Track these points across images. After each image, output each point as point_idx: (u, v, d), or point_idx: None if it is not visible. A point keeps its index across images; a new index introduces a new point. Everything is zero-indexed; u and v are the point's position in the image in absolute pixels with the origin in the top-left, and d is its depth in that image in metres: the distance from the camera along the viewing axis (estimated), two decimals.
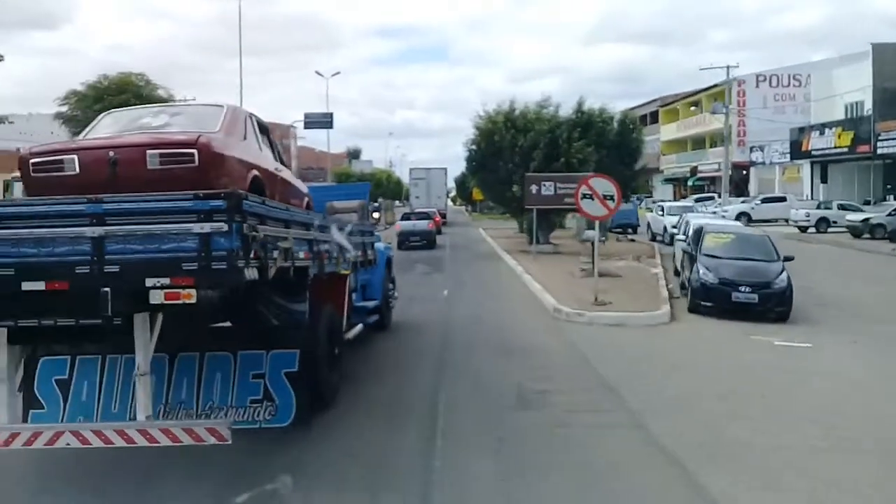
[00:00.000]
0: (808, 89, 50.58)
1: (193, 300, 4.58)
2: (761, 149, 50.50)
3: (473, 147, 25.73)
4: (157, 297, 4.58)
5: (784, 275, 13.19)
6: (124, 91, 55.09)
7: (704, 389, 8.23)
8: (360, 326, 9.34)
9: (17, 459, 5.82)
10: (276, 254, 5.20)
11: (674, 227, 25.85)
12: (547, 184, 21.54)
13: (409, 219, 31.32)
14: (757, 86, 52.39)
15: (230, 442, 4.99)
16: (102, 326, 4.78)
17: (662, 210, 32.09)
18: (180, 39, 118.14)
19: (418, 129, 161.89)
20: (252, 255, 4.77)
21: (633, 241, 31.93)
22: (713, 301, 13.06)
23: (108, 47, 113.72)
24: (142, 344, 4.95)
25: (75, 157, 5.52)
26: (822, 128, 42.05)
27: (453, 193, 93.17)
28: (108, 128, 6.26)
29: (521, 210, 25.75)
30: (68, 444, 5.02)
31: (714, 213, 33.24)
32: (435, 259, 24.40)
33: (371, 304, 10.36)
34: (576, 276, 17.82)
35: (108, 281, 4.60)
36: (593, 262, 17.88)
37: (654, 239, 31.70)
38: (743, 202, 43.44)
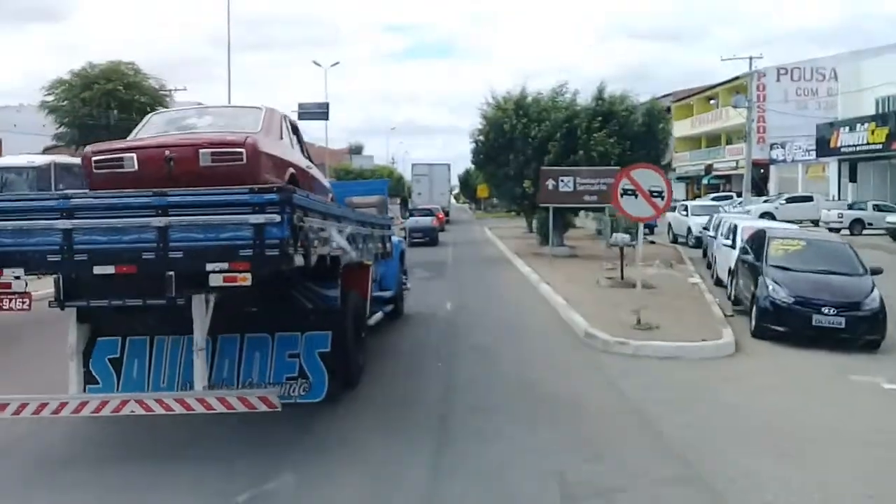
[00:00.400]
0: (831, 83, 47.85)
1: (249, 282, 5.12)
2: (782, 146, 47.70)
3: (480, 138, 22.97)
4: (216, 280, 5.12)
5: (875, 293, 10.48)
6: (112, 79, 52.57)
7: (845, 478, 5.52)
8: (380, 314, 9.97)
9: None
10: (316, 243, 5.75)
11: (704, 228, 23.20)
12: (565, 179, 18.79)
13: (411, 215, 30.84)
14: (778, 79, 49.54)
15: (280, 409, 5.48)
16: (165, 306, 5.34)
17: (686, 210, 29.37)
18: (187, 34, 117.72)
19: (422, 126, 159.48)
20: (299, 244, 5.28)
21: (653, 242, 29.25)
22: (787, 325, 10.35)
23: (114, 41, 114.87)
24: (199, 322, 5.47)
25: (134, 155, 5.95)
26: (852, 123, 39.23)
27: (457, 191, 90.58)
28: (157, 127, 6.80)
29: (533, 208, 23.05)
30: (133, 412, 5.46)
31: (748, 212, 30.53)
32: (437, 263, 21.72)
33: (387, 294, 10.86)
34: (601, 285, 15.15)
35: (172, 265, 5.15)
36: (621, 270, 15.42)
37: (675, 241, 29.03)
38: (765, 201, 40.65)
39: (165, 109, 7.91)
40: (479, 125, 22.89)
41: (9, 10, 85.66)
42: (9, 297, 5.52)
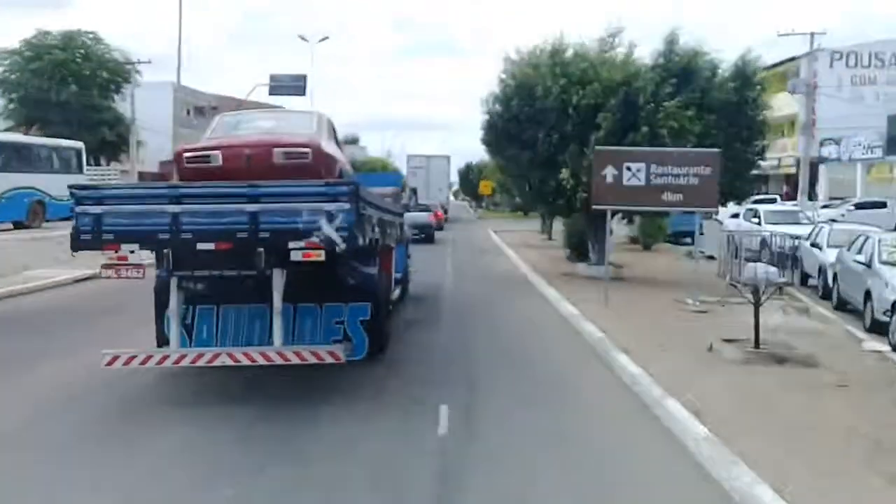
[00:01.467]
0: (891, 71, 41.38)
1: (322, 258, 6.16)
2: (836, 142, 41.01)
3: (497, 109, 16.09)
4: (296, 256, 6.17)
5: None
6: (67, 48, 45.50)
7: None
8: (398, 291, 11.42)
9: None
10: (367, 227, 6.89)
11: (806, 239, 16.57)
12: (634, 166, 11.99)
13: (406, 210, 25.20)
14: (831, 65, 42.78)
15: (344, 361, 6.64)
16: (251, 277, 6.54)
17: (758, 217, 22.77)
18: (195, 24, 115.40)
19: (420, 122, 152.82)
20: (361, 228, 6.47)
21: (711, 258, 22.66)
22: None
23: (121, 29, 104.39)
24: (277, 291, 6.57)
25: (219, 152, 7.19)
26: None
27: (455, 187, 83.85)
28: (227, 128, 8.08)
29: (571, 209, 16.19)
30: (223, 363, 6.53)
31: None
32: (431, 287, 15.07)
33: (398, 275, 11.45)
34: (725, 357, 8.32)
35: (261, 243, 6.25)
36: (756, 334, 8.09)
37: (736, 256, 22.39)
38: (824, 207, 34.01)
39: (232, 112, 9.55)
40: (497, 90, 16.05)
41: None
42: (126, 267, 6.52)
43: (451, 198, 69.02)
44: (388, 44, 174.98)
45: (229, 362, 6.50)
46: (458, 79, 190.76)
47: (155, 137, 65.40)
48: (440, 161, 51.27)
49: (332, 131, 8.52)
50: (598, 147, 12.77)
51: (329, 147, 7.87)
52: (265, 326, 7.13)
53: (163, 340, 7.29)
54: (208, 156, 7.14)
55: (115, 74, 51.33)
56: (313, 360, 6.46)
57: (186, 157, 7.21)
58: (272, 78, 33.03)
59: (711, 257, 22.86)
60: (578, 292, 13.48)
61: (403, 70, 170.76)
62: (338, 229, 6.08)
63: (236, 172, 6.76)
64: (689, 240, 28.64)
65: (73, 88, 47.90)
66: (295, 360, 6.46)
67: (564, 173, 14.45)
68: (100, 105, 48.94)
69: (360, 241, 6.39)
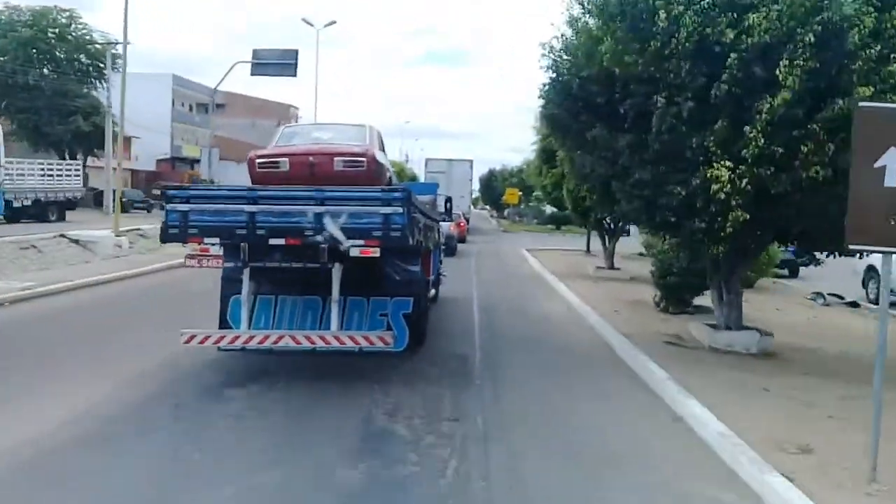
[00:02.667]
0: None
1: (377, 255, 6.79)
2: None
3: (570, 62, 9.44)
4: (355, 252, 6.78)
5: None
6: (36, 26, 39.26)
7: None
8: (433, 290, 12.04)
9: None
10: (416, 229, 7.42)
11: None
12: None
13: (444, 219, 22.58)
14: None
15: (391, 345, 7.34)
16: (315, 270, 7.23)
17: None
18: (209, 29, 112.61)
19: (439, 130, 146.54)
20: (412, 229, 7.05)
21: (853, 304, 15.80)
22: None
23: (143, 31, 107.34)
24: (336, 282, 7.28)
25: (287, 159, 8.11)
26: None
27: (476, 194, 77.29)
28: (289, 138, 9.07)
29: (718, 236, 9.00)
30: (286, 345, 7.32)
31: None
32: (455, 359, 8.71)
33: (431, 278, 11.53)
34: None
35: (325, 240, 6.81)
36: None
37: None
38: None
39: (292, 125, 11.08)
40: (567, 33, 9.43)
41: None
42: (207, 258, 7.34)
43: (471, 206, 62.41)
44: (410, 53, 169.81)
45: (291, 344, 7.29)
46: (472, 88, 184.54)
47: (150, 134, 59.50)
48: (462, 166, 44.90)
49: (381, 142, 9.25)
50: (865, 105, 5.70)
51: (380, 156, 8.73)
52: (317, 316, 7.96)
53: (225, 327, 7.86)
54: (277, 162, 8.14)
55: (96, 59, 45.42)
56: (365, 343, 7.26)
57: (259, 163, 8.20)
58: (256, 55, 26.51)
59: (853, 304, 16.03)
60: (740, 402, 6.83)
61: (414, 78, 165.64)
62: (391, 230, 6.68)
63: (300, 178, 7.64)
64: (785, 271, 22.00)
65: (45, 71, 42.35)
66: (349, 344, 7.25)
67: (718, 170, 7.66)
68: (75, 91, 42.98)
69: (410, 242, 6.91)
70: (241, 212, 6.85)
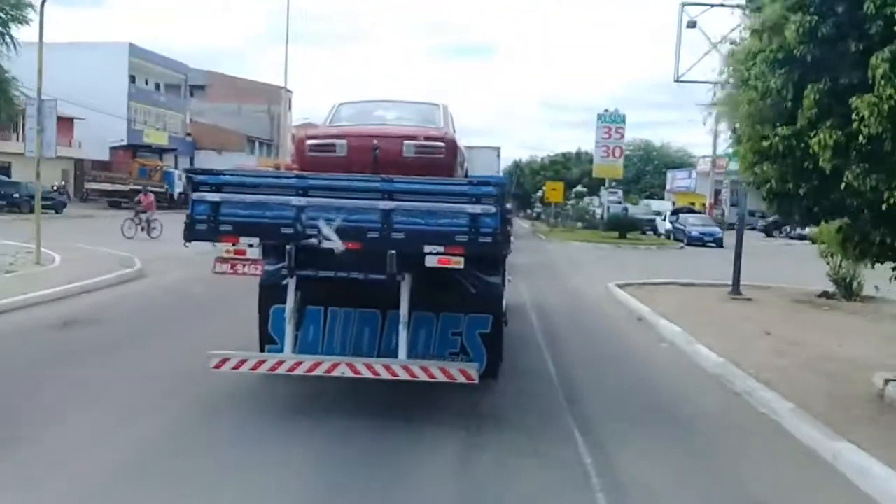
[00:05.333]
0: None
1: (461, 266, 5.44)
2: None
3: None
4: (431, 261, 5.42)
5: None
6: None
7: None
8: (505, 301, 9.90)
9: None
10: (507, 234, 6.49)
11: None
12: None
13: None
14: None
15: (476, 382, 5.68)
16: (383, 282, 5.67)
17: None
18: (227, 21, 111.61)
19: (461, 127, 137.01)
20: (505, 234, 5.78)
21: None
22: None
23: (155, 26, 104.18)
24: (405, 298, 5.87)
25: (346, 141, 6.53)
26: None
27: None
28: (348, 117, 7.26)
29: None
30: (342, 374, 5.73)
31: None
32: None
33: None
34: None
35: (394, 245, 5.47)
36: None
37: None
38: None
39: (351, 101, 7.73)
40: None
41: None
42: (243, 262, 5.82)
43: None
44: (430, 47, 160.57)
45: (349, 374, 5.78)
46: (499, 86, 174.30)
47: (100, 116, 48.45)
48: (488, 154, 33.23)
49: (454, 125, 7.60)
50: None
51: (459, 142, 7.19)
52: (375, 332, 6.57)
53: (266, 340, 6.62)
54: (333, 144, 6.59)
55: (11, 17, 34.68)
56: (443, 377, 5.67)
57: (309, 144, 6.66)
58: None
59: None
60: None
61: (442, 74, 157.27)
62: (481, 234, 5.41)
63: (362, 165, 6.22)
64: None
65: None
66: (422, 377, 5.69)
67: None
68: None
69: (504, 250, 6.07)
70: (287, 205, 5.56)
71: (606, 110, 34.23)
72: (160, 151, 54.85)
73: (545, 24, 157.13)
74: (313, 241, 5.49)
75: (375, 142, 6.42)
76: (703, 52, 18.65)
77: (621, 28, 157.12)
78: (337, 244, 5.44)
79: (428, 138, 6.59)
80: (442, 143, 6.56)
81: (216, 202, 5.60)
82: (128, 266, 14.33)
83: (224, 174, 5.95)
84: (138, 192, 39.05)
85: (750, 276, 14.63)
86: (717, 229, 31.45)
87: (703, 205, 53.47)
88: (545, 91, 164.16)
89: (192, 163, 63.49)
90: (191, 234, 5.66)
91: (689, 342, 9.33)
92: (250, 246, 5.79)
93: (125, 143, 49.65)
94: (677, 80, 18.97)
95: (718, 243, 29.92)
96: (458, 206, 5.42)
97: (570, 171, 48.74)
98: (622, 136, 33.96)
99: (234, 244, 5.74)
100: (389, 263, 5.49)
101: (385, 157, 6.32)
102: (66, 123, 45.58)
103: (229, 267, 5.80)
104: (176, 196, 41.80)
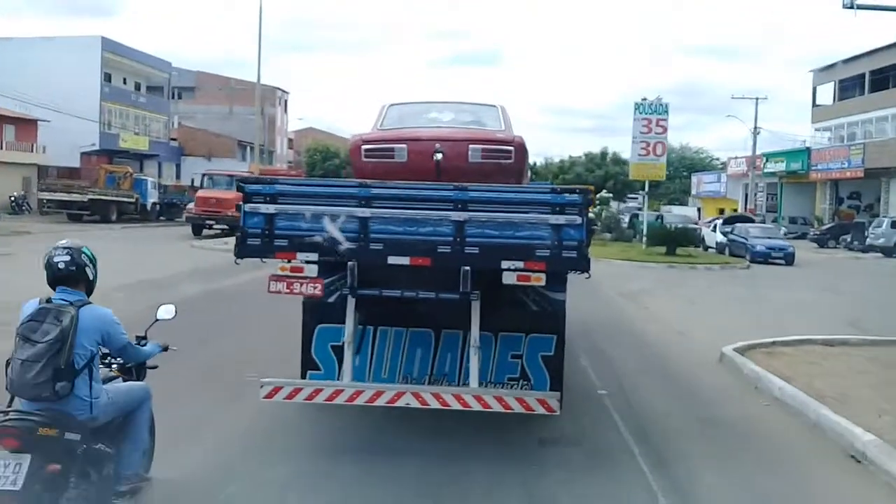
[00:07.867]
0: None
1: (542, 283, 5.04)
2: None
3: None
4: (509, 278, 5.00)
5: None
6: None
7: None
8: None
9: None
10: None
11: None
12: None
13: None
14: None
15: (558, 413, 5.06)
16: (454, 301, 5.20)
17: None
18: (236, 32, 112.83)
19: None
20: (589, 247, 5.24)
21: None
22: None
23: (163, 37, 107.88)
24: (475, 319, 5.34)
25: (405, 146, 6.10)
26: None
27: None
28: (403, 119, 6.77)
29: None
30: (408, 404, 5.17)
31: None
32: None
33: None
34: None
35: (467, 260, 5.01)
36: None
37: None
38: None
39: (401, 102, 7.23)
40: None
41: (63, 5, 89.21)
42: (300, 281, 5.22)
43: None
44: (434, 55, 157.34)
45: (415, 404, 5.14)
46: (504, 94, 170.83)
47: (68, 120, 43.41)
48: None
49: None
50: None
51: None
52: (427, 353, 6.16)
53: (309, 364, 6.16)
54: (392, 149, 6.16)
55: None
56: (520, 408, 5.06)
57: (365, 151, 6.25)
58: None
59: None
60: None
61: (448, 81, 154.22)
62: (564, 248, 4.97)
63: (423, 172, 5.78)
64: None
65: None
66: (497, 408, 5.05)
67: None
68: None
69: (587, 266, 5.30)
70: (350, 217, 5.14)
71: (645, 99, 28.26)
72: (140, 157, 49.93)
73: (550, 31, 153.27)
74: (377, 256, 5.09)
75: (438, 146, 6.04)
76: None
77: (624, 29, 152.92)
78: (404, 261, 5.04)
79: (496, 142, 6.24)
80: (511, 148, 6.19)
81: (271, 214, 5.16)
82: None
83: (278, 182, 5.50)
84: (99, 202, 34.44)
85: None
86: (786, 243, 26.04)
87: (734, 210, 48.49)
88: (550, 97, 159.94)
89: (177, 170, 58.98)
90: (243, 250, 5.26)
91: None
92: (308, 262, 5.18)
93: (97, 147, 44.61)
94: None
95: (788, 260, 24.53)
96: (538, 216, 5.02)
97: (592, 173, 43.64)
98: (664, 129, 28.10)
99: (290, 260, 5.20)
100: (463, 281, 5.08)
101: (448, 162, 5.98)
102: (27, 126, 40.69)
103: (285, 286, 5.23)
104: (149, 207, 36.63)
